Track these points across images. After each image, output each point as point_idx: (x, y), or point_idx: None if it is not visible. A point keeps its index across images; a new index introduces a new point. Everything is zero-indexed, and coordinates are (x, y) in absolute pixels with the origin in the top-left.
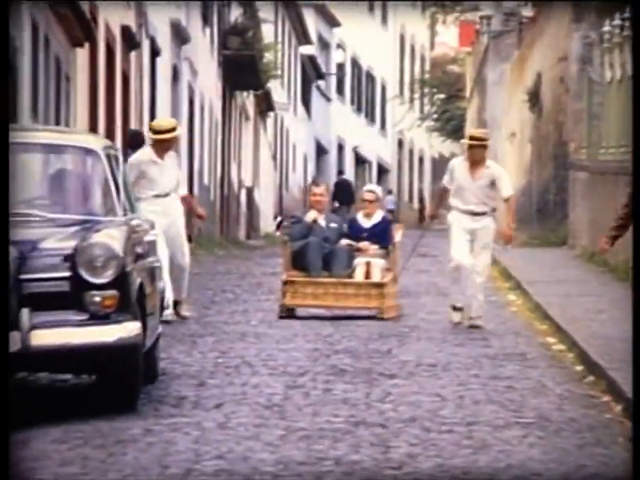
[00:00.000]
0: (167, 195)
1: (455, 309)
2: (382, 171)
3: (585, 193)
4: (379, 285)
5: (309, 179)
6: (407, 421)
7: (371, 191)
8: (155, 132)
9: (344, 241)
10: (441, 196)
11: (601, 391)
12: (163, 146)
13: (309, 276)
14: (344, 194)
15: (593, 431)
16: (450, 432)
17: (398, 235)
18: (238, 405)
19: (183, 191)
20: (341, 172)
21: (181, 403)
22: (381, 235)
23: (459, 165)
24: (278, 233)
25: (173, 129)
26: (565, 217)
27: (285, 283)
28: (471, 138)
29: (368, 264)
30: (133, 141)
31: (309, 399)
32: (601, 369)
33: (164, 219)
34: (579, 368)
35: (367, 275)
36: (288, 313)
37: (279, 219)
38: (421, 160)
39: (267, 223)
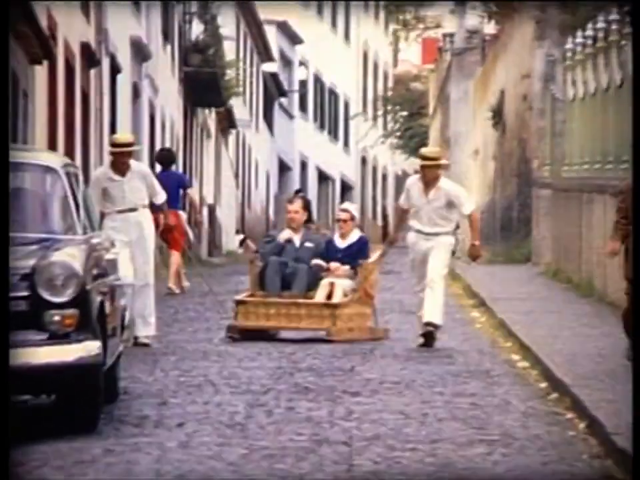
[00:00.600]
0: (132, 209)
1: (427, 324)
2: (345, 188)
3: (548, 210)
4: (332, 306)
5: (272, 197)
6: (371, 438)
7: (344, 210)
8: (113, 145)
9: (314, 261)
10: (400, 217)
11: (564, 408)
12: (121, 161)
13: (267, 296)
14: None
15: (556, 448)
16: (414, 450)
17: (374, 255)
18: (200, 424)
19: (160, 199)
20: (299, 190)
21: (142, 423)
22: (354, 255)
23: (414, 185)
24: (240, 251)
25: (131, 144)
26: (528, 233)
27: (238, 303)
28: (423, 158)
29: (331, 284)
30: (163, 158)
31: (272, 417)
32: (564, 386)
33: (128, 234)
34: (543, 385)
35: (329, 295)
36: (238, 335)
37: (241, 236)
38: (384, 177)
39: (229, 241)
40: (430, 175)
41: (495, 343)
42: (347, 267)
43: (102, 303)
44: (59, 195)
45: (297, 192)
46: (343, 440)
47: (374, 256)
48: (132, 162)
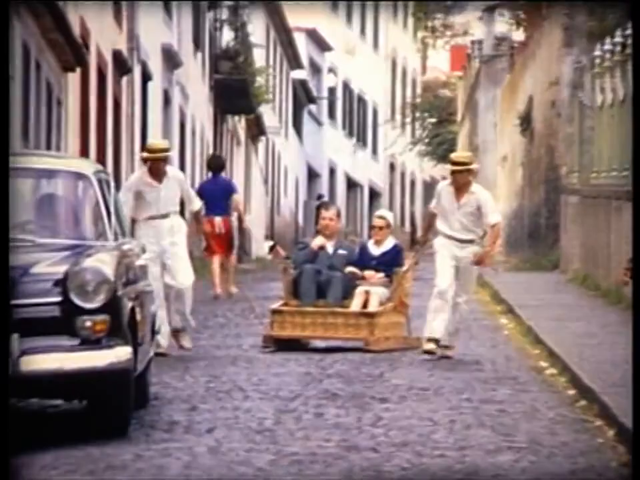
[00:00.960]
0: (164, 216)
1: (429, 340)
2: (374, 194)
3: (576, 217)
4: (369, 315)
5: (300, 203)
6: (399, 445)
7: (381, 217)
8: (149, 152)
9: (348, 269)
10: (430, 220)
11: (593, 415)
12: (156, 167)
13: (302, 305)
14: None
15: (585, 455)
16: (442, 456)
17: (407, 263)
18: (229, 430)
19: (196, 206)
20: (320, 196)
21: (172, 428)
22: (389, 263)
23: (445, 190)
24: (270, 257)
25: (166, 150)
26: (556, 240)
27: (273, 312)
28: (453, 163)
29: (367, 293)
30: (214, 164)
31: (301, 423)
32: (593, 393)
33: (161, 240)
34: (571, 392)
35: (365, 304)
36: (274, 345)
37: (271, 242)
38: (412, 183)
39: (259, 247)
40: (461, 179)
41: (523, 349)
42: (381, 275)
43: (133, 309)
44: (90, 201)
45: (319, 197)
46: (371, 446)
47: (407, 263)
48: (168, 168)
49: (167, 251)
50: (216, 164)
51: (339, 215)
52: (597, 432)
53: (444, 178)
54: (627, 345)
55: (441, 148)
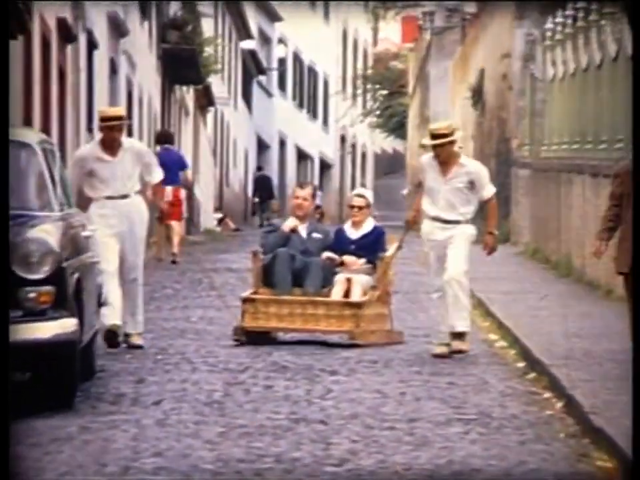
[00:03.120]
0: (123, 196)
1: (441, 344)
2: (324, 166)
3: (527, 190)
4: (354, 305)
5: (250, 175)
6: (348, 417)
7: (360, 195)
8: (101, 120)
9: (325, 254)
10: (419, 199)
11: (542, 387)
12: (111, 137)
13: (276, 293)
14: (263, 189)
15: (534, 427)
16: (391, 429)
17: (391, 248)
18: (177, 402)
19: (157, 178)
20: (260, 168)
21: (119, 400)
22: (369, 248)
23: (429, 163)
24: (219, 229)
25: (121, 117)
26: (507, 214)
27: (245, 301)
28: (432, 136)
29: (349, 281)
30: (164, 137)
31: (250, 395)
32: (542, 366)
33: (120, 224)
34: (521, 365)
35: (347, 293)
36: (246, 337)
37: (220, 214)
38: (363, 156)
39: (208, 219)
40: (443, 153)
41: (473, 322)
42: (363, 261)
43: (78, 281)
44: (34, 171)
45: (259, 169)
46: (321, 418)
47: (391, 248)
48: (124, 139)
49: (125, 239)
50: (165, 138)
51: (314, 195)
52: (545, 404)
53: (395, 151)
54: (577, 317)
55: (392, 120)
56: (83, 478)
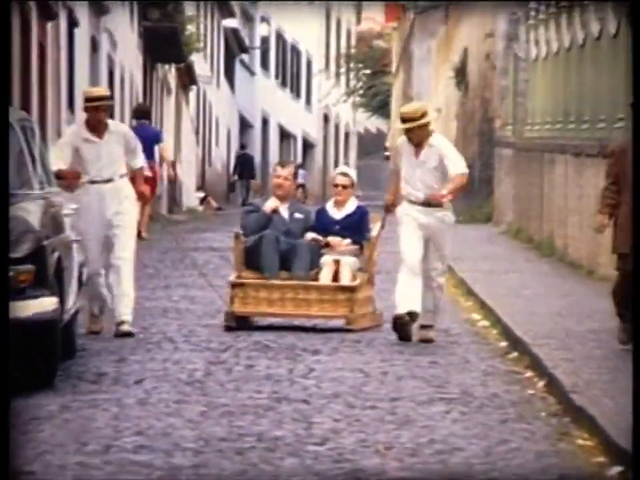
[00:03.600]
0: (108, 180)
1: (407, 313)
2: (307, 145)
3: (510, 170)
4: (348, 289)
5: (232, 154)
6: (330, 396)
7: (344, 174)
8: (87, 100)
9: (309, 235)
10: (396, 181)
11: (524, 366)
12: (96, 118)
13: (263, 277)
14: (245, 168)
15: (515, 406)
16: (373, 408)
17: (375, 228)
18: (159, 381)
19: (139, 164)
20: (243, 146)
21: (100, 379)
22: (354, 228)
23: (403, 145)
24: (201, 208)
25: (106, 97)
26: (490, 193)
27: (234, 285)
28: (403, 120)
29: (337, 263)
30: (140, 112)
31: (231, 375)
32: (524, 345)
33: (104, 210)
34: (503, 344)
35: (335, 276)
36: (236, 323)
37: (202, 193)
38: (346, 135)
39: (190, 198)
40: (415, 137)
41: (456, 302)
42: (347, 242)
43: (59, 259)
44: (14, 149)
45: (242, 147)
46: (303, 398)
47: (374, 228)
48: (110, 121)
49: (111, 224)
50: (141, 111)
51: (295, 174)
52: (527, 383)
53: (379, 130)
54: (559, 297)
55: (375, 99)
56: (64, 456)
